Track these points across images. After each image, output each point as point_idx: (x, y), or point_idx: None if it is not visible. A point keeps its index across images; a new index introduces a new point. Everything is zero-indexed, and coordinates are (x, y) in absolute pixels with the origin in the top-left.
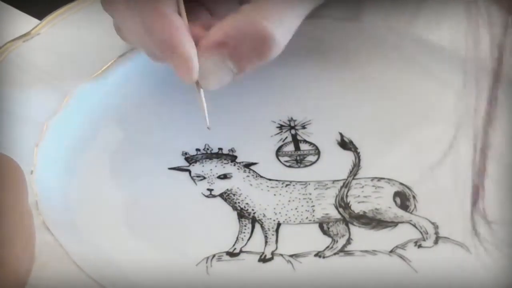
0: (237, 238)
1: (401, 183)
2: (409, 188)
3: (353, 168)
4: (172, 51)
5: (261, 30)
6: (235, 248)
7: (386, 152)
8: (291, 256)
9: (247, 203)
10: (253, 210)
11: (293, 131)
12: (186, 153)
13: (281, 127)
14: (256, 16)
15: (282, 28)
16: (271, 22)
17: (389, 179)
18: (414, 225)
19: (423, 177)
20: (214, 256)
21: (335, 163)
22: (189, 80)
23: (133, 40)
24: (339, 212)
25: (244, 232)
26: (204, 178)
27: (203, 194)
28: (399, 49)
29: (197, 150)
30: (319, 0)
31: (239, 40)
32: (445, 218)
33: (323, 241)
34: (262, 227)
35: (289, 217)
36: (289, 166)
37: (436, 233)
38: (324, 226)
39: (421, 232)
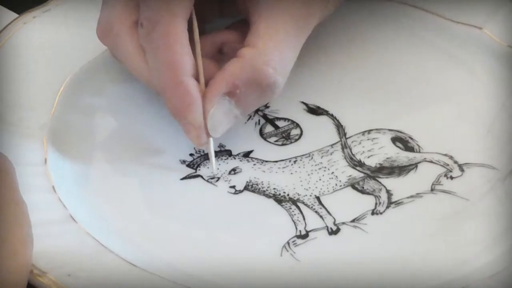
0: (293, 221)
1: (389, 129)
2: (400, 132)
3: (338, 129)
4: (184, 119)
5: (267, 78)
6: (300, 231)
7: (358, 107)
8: (353, 221)
9: (274, 188)
10: (284, 192)
11: (260, 113)
12: (184, 161)
13: None
14: (260, 63)
15: (284, 71)
16: (274, 67)
17: (376, 129)
18: (431, 161)
19: (407, 119)
20: (288, 243)
21: (319, 130)
22: (198, 144)
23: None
24: (358, 171)
25: (295, 214)
26: (219, 178)
27: (230, 193)
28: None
29: (191, 155)
30: (310, 31)
31: (245, 89)
32: (453, 147)
33: (367, 200)
34: (306, 204)
35: (321, 189)
36: (282, 145)
37: (456, 162)
38: (357, 186)
39: (442, 166)
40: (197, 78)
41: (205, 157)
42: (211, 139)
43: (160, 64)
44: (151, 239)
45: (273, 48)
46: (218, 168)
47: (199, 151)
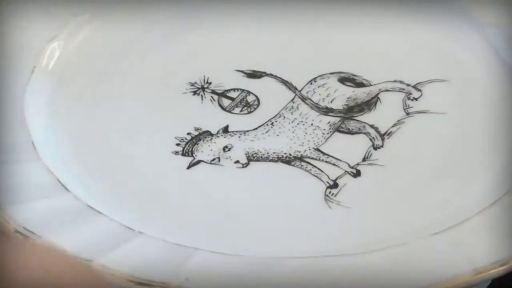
0: (315, 176)
1: (331, 73)
2: (341, 72)
3: (286, 85)
4: None
5: None
6: (328, 182)
7: (290, 61)
8: (364, 160)
9: (274, 152)
10: (285, 153)
11: (208, 90)
12: (177, 152)
13: (196, 90)
14: None
15: None
16: None
17: (319, 75)
18: (387, 90)
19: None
20: (327, 196)
21: (271, 90)
22: None
23: None
24: (332, 116)
25: (311, 169)
26: (219, 158)
27: (238, 168)
28: None
29: (178, 144)
30: None
31: None
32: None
33: (361, 139)
34: (312, 158)
35: (313, 141)
36: (249, 113)
37: (408, 84)
38: (343, 130)
39: (399, 91)
40: None
41: (192, 141)
42: None
43: None
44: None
45: None
46: (211, 150)
47: (183, 139)
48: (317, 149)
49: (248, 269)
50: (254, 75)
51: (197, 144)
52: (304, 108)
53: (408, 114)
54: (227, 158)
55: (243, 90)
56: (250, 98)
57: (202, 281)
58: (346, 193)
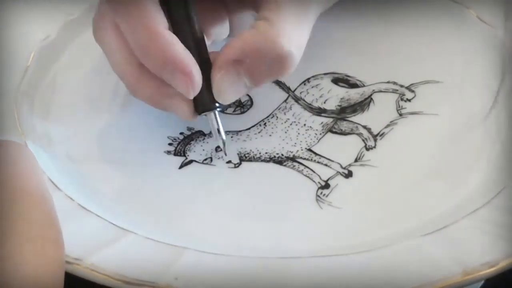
0: (306, 176)
1: (324, 73)
2: (334, 72)
3: (280, 85)
4: (170, 64)
5: (278, 48)
6: (319, 182)
7: None
8: (356, 161)
9: (266, 152)
10: (277, 154)
11: None
12: (169, 151)
13: None
14: (273, 33)
15: (298, 42)
16: (287, 38)
17: (313, 76)
18: (381, 91)
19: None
20: (318, 196)
21: (264, 91)
22: (189, 94)
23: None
24: (325, 116)
25: (302, 170)
26: (211, 158)
27: (230, 167)
28: None
29: (170, 144)
30: (327, 5)
31: (256, 58)
32: (391, 75)
33: (353, 140)
34: (304, 158)
35: (306, 141)
36: (242, 112)
37: (402, 85)
38: (335, 130)
39: (393, 92)
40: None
41: (185, 141)
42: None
43: (134, 29)
44: (186, 230)
45: (285, 18)
46: (203, 149)
47: (176, 138)
48: (310, 150)
49: (237, 269)
50: None
51: (190, 144)
52: (297, 108)
53: (401, 115)
54: (219, 158)
55: None
56: (243, 98)
57: (192, 281)
58: (337, 193)
